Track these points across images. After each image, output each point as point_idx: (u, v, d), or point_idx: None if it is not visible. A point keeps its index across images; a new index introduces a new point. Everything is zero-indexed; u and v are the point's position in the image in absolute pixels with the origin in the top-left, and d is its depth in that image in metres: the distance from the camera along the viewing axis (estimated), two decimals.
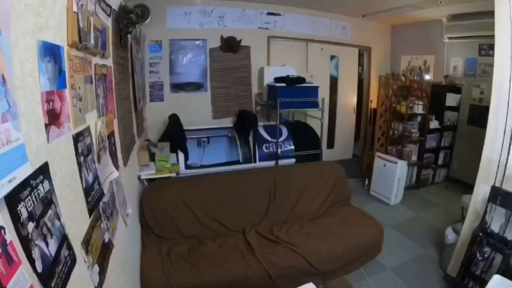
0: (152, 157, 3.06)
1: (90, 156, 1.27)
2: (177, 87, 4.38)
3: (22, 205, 0.74)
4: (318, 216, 2.92)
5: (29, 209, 0.77)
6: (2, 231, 0.67)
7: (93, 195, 1.27)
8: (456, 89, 4.76)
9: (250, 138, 3.92)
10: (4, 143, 0.68)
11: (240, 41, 4.47)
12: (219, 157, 4.12)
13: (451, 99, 4.74)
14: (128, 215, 1.98)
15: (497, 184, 2.19)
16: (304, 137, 4.19)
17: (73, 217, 1.07)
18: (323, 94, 4.39)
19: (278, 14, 4.76)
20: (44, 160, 0.88)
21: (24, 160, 0.77)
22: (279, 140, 3.98)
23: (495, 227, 2.20)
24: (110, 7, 1.82)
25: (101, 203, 1.37)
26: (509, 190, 2.11)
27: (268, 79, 4.28)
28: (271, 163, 3.91)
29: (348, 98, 5.85)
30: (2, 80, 0.69)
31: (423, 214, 3.93)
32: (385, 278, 2.72)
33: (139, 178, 2.84)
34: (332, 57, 5.52)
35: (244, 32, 4.51)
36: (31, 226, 0.77)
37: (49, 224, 0.86)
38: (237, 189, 2.79)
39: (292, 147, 3.98)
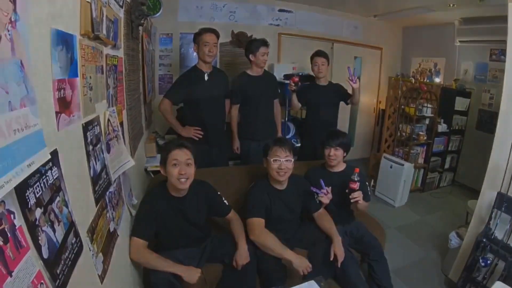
0: (159, 149, 3.07)
1: (98, 146, 1.28)
2: None
3: (30, 191, 0.75)
4: None
5: (37, 195, 0.78)
6: (12, 215, 0.68)
7: (100, 184, 1.28)
8: (466, 93, 4.70)
9: None
10: (23, 128, 0.69)
11: (251, 36, 4.46)
12: None
13: (460, 103, 4.67)
14: (134, 205, 2.00)
15: (503, 191, 2.17)
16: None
17: (80, 205, 1.08)
18: None
19: (290, 11, 4.74)
20: (53, 147, 0.89)
21: (42, 145, 0.78)
22: (286, 137, 3.97)
23: (499, 233, 2.18)
24: None
25: (107, 193, 1.39)
26: None
27: (277, 75, 4.26)
28: None
29: (367, 98, 5.79)
30: (21, 65, 0.70)
31: (427, 218, 3.91)
32: None
33: (145, 169, 2.86)
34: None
35: (255, 28, 4.50)
36: (38, 212, 0.78)
37: (56, 211, 0.87)
38: (241, 184, 2.78)
39: (298, 144, 3.96)
